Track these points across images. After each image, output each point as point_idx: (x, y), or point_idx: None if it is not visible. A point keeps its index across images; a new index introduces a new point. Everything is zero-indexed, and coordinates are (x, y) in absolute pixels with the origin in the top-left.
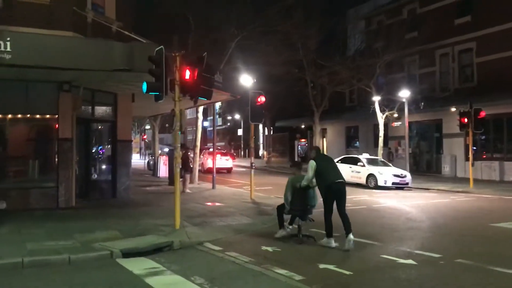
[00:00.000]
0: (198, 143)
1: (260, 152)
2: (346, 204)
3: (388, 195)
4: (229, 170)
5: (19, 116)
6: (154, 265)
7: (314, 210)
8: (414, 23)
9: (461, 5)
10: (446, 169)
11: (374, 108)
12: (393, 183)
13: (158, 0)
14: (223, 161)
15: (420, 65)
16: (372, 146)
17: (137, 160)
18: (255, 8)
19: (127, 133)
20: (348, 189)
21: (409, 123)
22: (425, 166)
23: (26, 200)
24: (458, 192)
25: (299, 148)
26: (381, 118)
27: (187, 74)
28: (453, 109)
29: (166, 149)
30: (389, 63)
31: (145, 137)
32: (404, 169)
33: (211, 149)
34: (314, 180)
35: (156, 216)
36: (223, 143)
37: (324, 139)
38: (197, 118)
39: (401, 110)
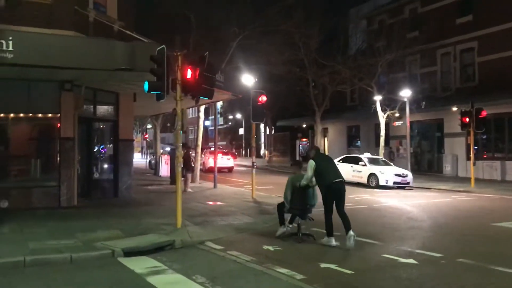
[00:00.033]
0: (200, 142)
1: (262, 152)
2: (347, 204)
3: (389, 194)
4: (230, 170)
5: (21, 115)
6: (156, 264)
7: (314, 209)
8: (416, 22)
9: (463, 5)
10: (447, 168)
11: (375, 107)
12: (394, 183)
13: (159, 0)
14: (225, 161)
15: (422, 65)
16: (373, 145)
17: (139, 160)
18: (256, 8)
19: (128, 132)
20: (349, 189)
21: (411, 122)
22: (427, 165)
23: (28, 199)
24: (459, 191)
25: (300, 148)
26: (382, 117)
27: (189, 74)
28: (455, 109)
29: (168, 148)
30: (391, 63)
31: (146, 136)
32: (406, 168)
33: (212, 149)
34: (314, 180)
35: (157, 215)
36: (224, 143)
37: (326, 139)
38: (198, 117)
39: (402, 110)
